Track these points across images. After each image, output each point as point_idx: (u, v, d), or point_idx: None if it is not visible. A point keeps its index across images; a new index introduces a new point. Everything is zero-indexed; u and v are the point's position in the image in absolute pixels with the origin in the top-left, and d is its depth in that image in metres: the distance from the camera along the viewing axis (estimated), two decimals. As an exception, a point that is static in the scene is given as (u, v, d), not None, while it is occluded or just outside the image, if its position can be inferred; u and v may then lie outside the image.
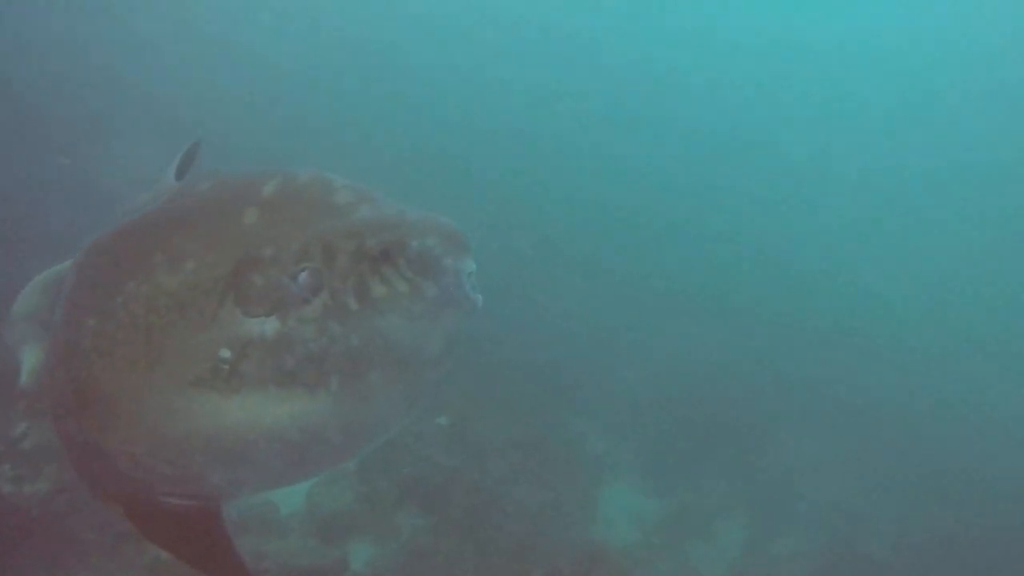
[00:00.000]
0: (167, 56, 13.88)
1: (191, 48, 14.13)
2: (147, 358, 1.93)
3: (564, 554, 6.95)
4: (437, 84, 17.93)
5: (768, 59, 24.91)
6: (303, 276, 1.91)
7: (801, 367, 11.01)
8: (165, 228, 2.06)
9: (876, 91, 23.53)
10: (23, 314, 2.52)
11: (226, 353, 1.90)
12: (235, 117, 12.18)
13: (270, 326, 1.91)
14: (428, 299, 1.95)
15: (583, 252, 12.67)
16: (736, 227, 15.24)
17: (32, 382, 2.48)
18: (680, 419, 9.60)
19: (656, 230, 14.51)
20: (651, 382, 10.12)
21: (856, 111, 22.97)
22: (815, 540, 8.60)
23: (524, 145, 16.38)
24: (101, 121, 10.76)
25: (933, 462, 9.75)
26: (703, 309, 12.04)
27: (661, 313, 11.51)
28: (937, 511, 9.01)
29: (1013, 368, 12.54)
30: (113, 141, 10.03)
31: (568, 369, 9.79)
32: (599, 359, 10.29)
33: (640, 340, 10.87)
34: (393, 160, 12.36)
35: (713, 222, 15.23)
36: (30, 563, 5.16)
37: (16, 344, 2.52)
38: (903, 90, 23.86)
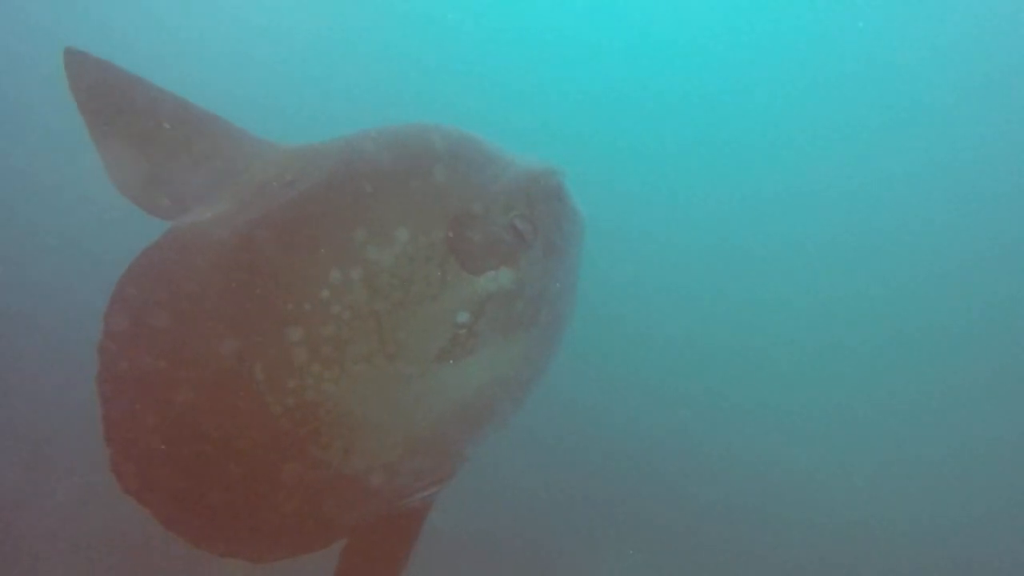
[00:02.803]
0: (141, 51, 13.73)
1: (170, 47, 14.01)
2: (384, 350, 1.75)
3: None
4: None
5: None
6: (520, 224, 1.95)
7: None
8: (348, 202, 1.79)
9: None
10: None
11: (464, 317, 1.85)
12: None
13: (505, 277, 1.91)
14: (583, 223, 2.14)
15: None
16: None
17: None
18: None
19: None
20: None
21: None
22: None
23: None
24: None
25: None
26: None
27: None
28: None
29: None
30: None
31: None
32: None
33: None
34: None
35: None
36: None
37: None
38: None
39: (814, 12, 17.51)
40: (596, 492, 7.61)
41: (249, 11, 16.93)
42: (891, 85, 16.11)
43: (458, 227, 1.85)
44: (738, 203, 14.93)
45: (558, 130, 15.06)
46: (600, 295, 10.05)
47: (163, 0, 15.89)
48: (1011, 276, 13.15)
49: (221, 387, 1.68)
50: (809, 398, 10.37)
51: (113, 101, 1.98)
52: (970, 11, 15.42)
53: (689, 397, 9.87)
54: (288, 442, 1.71)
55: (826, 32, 17.11)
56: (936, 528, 8.22)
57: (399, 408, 1.76)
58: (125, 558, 5.13)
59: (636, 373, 9.81)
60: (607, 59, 18.09)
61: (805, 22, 17.43)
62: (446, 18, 18.06)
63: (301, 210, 1.78)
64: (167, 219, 1.90)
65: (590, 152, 14.72)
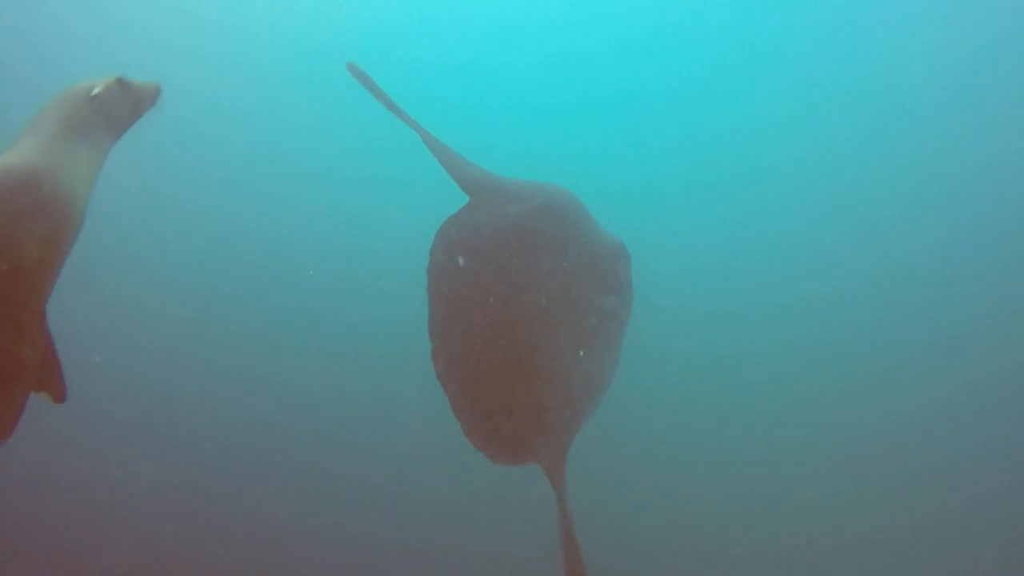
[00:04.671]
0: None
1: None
2: (565, 327, 2.75)
3: None
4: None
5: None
6: (619, 268, 3.01)
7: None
8: (560, 229, 2.93)
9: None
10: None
11: (594, 320, 2.84)
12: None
13: (611, 300, 2.92)
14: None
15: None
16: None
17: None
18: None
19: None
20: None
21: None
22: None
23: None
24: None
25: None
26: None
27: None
28: None
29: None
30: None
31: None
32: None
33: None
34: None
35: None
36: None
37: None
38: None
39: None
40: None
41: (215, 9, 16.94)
42: (885, 87, 16.07)
43: (593, 258, 2.90)
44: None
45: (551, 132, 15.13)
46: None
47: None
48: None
49: (496, 321, 2.69)
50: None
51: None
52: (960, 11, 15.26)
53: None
54: (522, 368, 2.67)
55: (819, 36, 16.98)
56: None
57: (564, 369, 2.71)
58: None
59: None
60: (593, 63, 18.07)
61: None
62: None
63: (534, 225, 2.85)
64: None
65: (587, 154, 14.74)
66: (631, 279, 3.09)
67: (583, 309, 2.84)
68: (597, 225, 3.10)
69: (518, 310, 2.70)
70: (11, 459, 8.03)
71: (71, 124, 2.23)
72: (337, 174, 12.90)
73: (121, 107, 2.38)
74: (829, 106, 16.24)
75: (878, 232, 13.39)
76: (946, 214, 13.31)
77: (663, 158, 15.68)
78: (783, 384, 10.72)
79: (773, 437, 9.90)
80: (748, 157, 14.37)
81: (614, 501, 8.48)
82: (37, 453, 8.10)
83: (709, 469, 9.35)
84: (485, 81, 16.26)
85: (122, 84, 2.40)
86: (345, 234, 12.22)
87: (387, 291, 10.81)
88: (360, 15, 14.24)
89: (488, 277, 2.73)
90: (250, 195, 12.14)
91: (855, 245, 13.23)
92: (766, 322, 11.99)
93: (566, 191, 3.07)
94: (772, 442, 9.86)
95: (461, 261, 2.73)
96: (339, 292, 11.37)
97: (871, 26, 14.85)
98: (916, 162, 14.21)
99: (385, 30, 14.29)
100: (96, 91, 2.31)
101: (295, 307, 11.05)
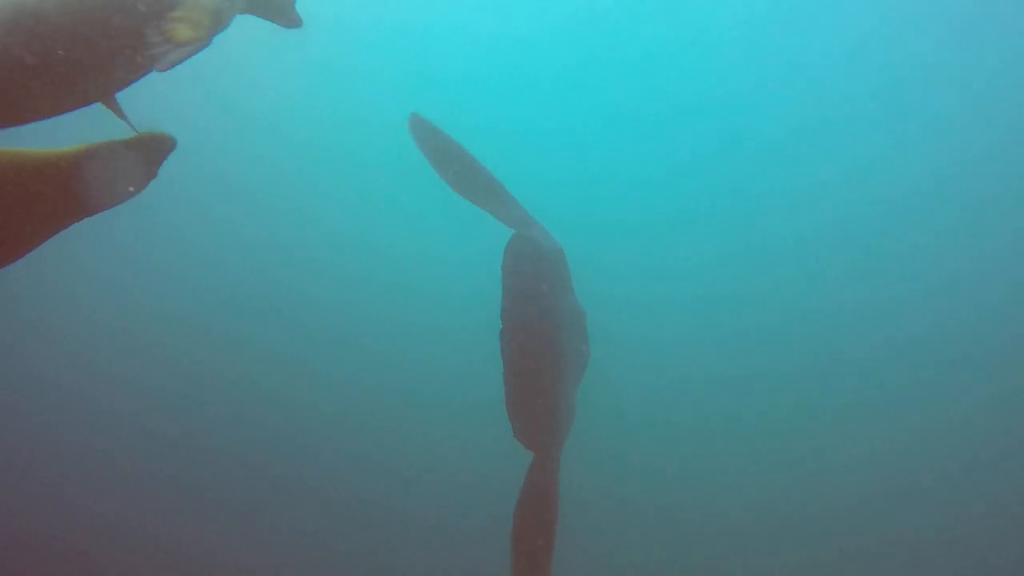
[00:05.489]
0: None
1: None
2: (568, 353, 3.67)
3: None
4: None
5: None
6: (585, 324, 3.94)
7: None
8: (564, 267, 3.94)
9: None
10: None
11: (579, 357, 3.80)
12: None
13: (585, 349, 3.86)
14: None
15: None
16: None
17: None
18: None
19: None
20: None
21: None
22: None
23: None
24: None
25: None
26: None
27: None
28: None
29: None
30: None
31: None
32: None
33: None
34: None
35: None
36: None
37: None
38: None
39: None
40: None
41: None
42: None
43: (578, 308, 3.88)
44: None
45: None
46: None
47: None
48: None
49: (549, 338, 3.50)
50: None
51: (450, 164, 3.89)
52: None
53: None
54: (560, 373, 3.51)
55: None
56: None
57: (573, 371, 3.65)
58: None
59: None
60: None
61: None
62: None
63: (560, 262, 3.86)
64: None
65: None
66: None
67: (575, 346, 3.73)
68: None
69: (552, 323, 3.55)
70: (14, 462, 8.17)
71: None
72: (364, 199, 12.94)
73: None
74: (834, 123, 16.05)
75: (874, 251, 13.43)
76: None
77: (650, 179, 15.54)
78: (777, 404, 10.80)
79: (764, 454, 9.92)
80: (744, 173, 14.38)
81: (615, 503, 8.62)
82: (47, 458, 8.25)
83: (696, 487, 9.36)
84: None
85: None
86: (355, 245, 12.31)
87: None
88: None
89: (541, 290, 3.56)
90: (277, 210, 12.23)
91: (848, 261, 13.26)
92: (761, 345, 11.96)
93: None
94: (762, 459, 9.85)
95: (529, 268, 3.53)
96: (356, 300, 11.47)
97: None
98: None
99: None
100: None
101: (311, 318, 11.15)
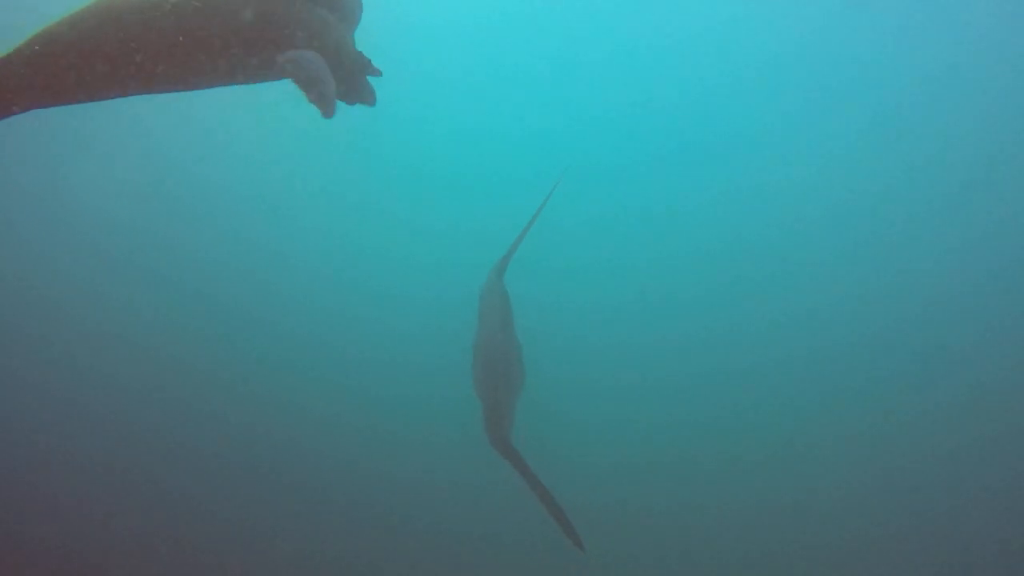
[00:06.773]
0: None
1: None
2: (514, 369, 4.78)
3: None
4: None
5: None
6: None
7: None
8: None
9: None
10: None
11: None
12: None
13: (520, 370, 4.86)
14: None
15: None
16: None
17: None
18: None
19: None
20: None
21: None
22: None
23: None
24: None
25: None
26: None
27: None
28: None
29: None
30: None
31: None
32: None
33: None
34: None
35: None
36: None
37: None
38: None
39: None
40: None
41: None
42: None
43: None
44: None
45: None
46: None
47: None
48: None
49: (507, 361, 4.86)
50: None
51: None
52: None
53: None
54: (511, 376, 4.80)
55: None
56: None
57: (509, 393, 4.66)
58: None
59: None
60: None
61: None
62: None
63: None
64: None
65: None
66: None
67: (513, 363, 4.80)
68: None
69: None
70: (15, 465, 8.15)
71: None
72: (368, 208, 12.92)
73: None
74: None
75: (862, 248, 13.50)
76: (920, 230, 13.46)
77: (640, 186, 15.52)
78: (773, 397, 10.87)
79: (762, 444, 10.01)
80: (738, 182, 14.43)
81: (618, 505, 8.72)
82: (48, 459, 8.24)
83: (697, 479, 9.45)
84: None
85: None
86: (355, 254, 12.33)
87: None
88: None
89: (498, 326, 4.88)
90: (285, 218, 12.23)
91: (841, 259, 13.33)
92: (758, 338, 12.03)
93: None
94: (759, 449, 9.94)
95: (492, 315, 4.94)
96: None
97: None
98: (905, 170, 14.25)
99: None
100: None
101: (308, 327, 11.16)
